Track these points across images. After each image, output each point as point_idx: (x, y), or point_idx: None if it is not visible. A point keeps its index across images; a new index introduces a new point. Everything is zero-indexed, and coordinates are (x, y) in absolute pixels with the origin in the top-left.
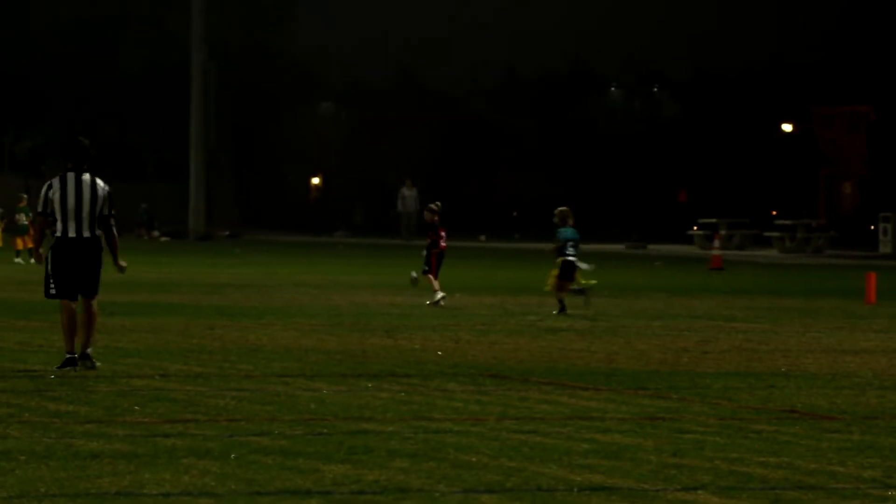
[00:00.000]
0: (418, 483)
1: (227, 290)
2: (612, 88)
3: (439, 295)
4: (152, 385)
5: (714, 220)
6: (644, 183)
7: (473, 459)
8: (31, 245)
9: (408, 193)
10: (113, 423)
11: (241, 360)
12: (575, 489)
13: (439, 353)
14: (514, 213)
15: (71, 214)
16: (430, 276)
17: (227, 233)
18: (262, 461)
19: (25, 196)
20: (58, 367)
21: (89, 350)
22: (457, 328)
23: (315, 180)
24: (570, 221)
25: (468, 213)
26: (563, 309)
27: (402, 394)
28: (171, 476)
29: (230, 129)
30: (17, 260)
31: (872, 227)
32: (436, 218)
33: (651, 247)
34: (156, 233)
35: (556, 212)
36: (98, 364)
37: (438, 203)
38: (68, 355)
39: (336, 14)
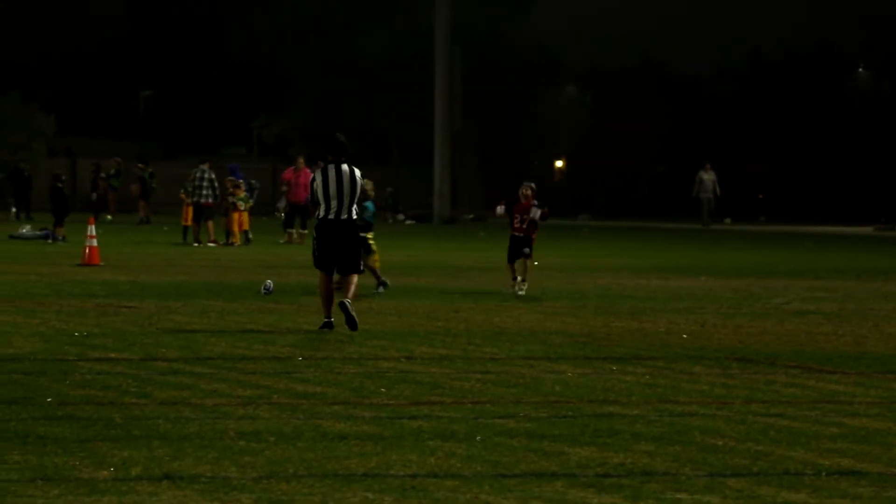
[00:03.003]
0: (663, 466)
1: (472, 273)
2: (860, 70)
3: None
4: (398, 367)
5: None
6: (893, 164)
7: (719, 443)
8: (245, 227)
9: (706, 177)
10: (360, 404)
11: (486, 342)
12: (823, 473)
13: (684, 336)
14: (760, 196)
15: (332, 199)
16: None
17: (471, 216)
18: (507, 443)
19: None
20: (318, 329)
21: (348, 300)
22: (702, 311)
23: (559, 163)
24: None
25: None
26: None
27: (647, 377)
28: (417, 458)
29: (475, 113)
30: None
31: None
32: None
33: None
34: (401, 216)
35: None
36: (353, 307)
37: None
38: (325, 319)
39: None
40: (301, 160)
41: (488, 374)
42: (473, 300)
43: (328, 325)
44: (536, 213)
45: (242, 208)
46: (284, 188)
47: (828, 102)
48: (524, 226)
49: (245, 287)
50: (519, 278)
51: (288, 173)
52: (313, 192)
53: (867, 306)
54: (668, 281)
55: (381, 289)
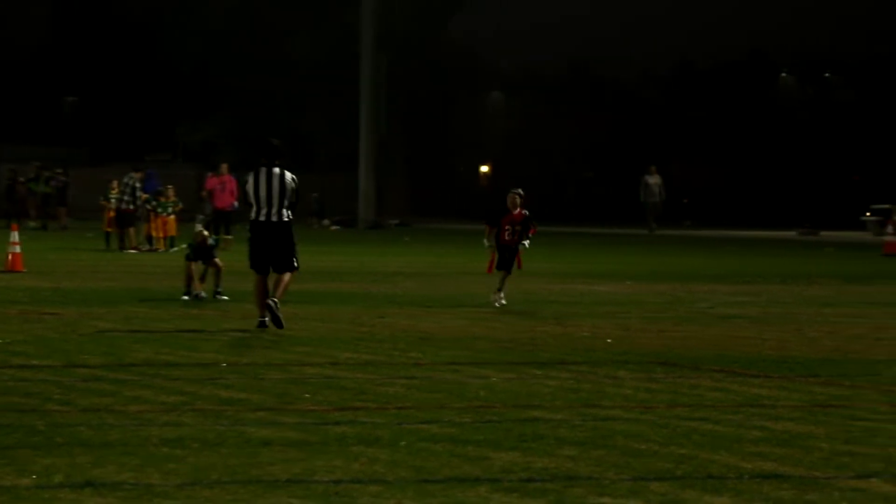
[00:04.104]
0: (587, 470)
1: (397, 279)
2: (783, 75)
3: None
4: (323, 373)
5: (887, 206)
6: (816, 169)
7: (643, 447)
8: (171, 233)
9: (651, 181)
10: (284, 410)
11: (411, 347)
12: (746, 477)
13: (609, 340)
14: (685, 201)
15: (264, 202)
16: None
17: (396, 221)
18: (431, 448)
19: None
20: (255, 327)
21: (275, 300)
22: (627, 316)
23: (484, 168)
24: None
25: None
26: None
27: (572, 381)
28: (341, 463)
29: (401, 118)
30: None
31: None
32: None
33: (823, 233)
34: (326, 221)
35: None
36: (279, 306)
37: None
38: (260, 319)
39: (506, 3)
40: (224, 166)
41: (413, 379)
42: (398, 305)
43: (263, 325)
44: (526, 243)
45: (170, 212)
46: (204, 193)
47: (753, 109)
48: (514, 237)
49: (169, 293)
50: (500, 290)
51: (212, 180)
52: (245, 195)
53: (791, 310)
54: (592, 285)
55: (186, 297)
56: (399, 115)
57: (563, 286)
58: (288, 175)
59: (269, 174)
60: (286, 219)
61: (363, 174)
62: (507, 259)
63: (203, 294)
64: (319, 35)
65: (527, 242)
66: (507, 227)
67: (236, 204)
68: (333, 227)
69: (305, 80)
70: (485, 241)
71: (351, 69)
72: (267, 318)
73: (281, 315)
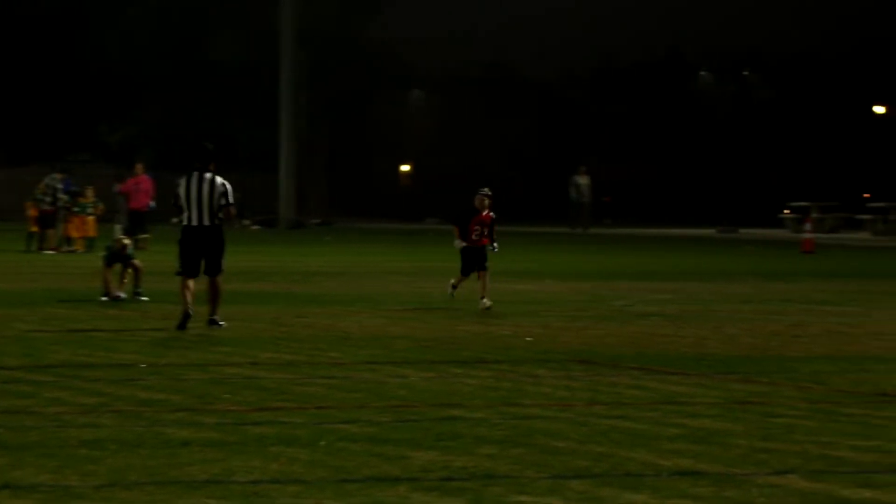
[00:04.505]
0: (506, 469)
1: (318, 278)
2: (702, 73)
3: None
4: (243, 373)
5: (806, 204)
6: (735, 167)
7: (562, 445)
8: (91, 234)
9: (581, 181)
10: (203, 411)
11: (331, 347)
12: (663, 474)
13: (529, 338)
14: (606, 199)
15: (194, 207)
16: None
17: (318, 221)
18: (350, 448)
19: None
20: (176, 327)
21: (216, 317)
22: (546, 314)
23: (405, 168)
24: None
25: (559, 199)
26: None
27: (491, 380)
28: (260, 463)
29: (322, 118)
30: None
31: None
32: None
33: (742, 231)
34: (247, 221)
35: None
36: (224, 324)
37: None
38: (184, 309)
39: (427, 3)
40: (139, 166)
41: (332, 379)
42: (319, 305)
43: (187, 317)
44: (495, 246)
45: (89, 213)
46: (117, 190)
47: (672, 107)
48: (482, 239)
49: (88, 294)
50: (483, 297)
51: (128, 181)
52: (177, 198)
53: (709, 308)
54: (512, 284)
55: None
56: (320, 115)
57: None
58: (219, 180)
59: (201, 179)
60: (217, 223)
61: (284, 174)
62: (473, 261)
63: (123, 295)
64: (240, 35)
65: (496, 245)
66: (475, 228)
67: (152, 204)
68: (254, 227)
69: (226, 80)
70: (455, 242)
71: (272, 69)
72: (191, 309)
73: (223, 324)
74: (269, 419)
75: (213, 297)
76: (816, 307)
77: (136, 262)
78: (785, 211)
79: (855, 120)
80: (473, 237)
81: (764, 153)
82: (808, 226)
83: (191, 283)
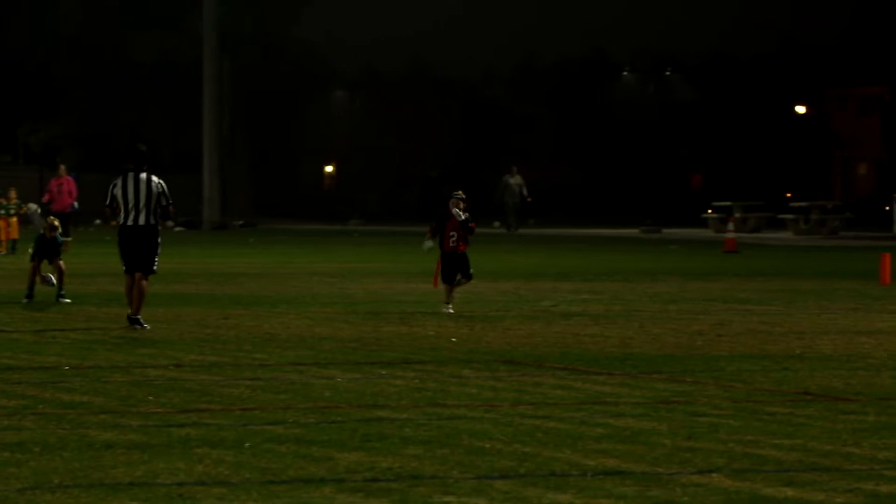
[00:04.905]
0: (432, 469)
1: (242, 280)
2: (625, 73)
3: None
4: (167, 375)
5: (728, 203)
6: (658, 167)
7: (487, 445)
8: (13, 236)
9: (512, 181)
10: (127, 413)
11: (256, 349)
12: (588, 474)
13: (454, 339)
14: (529, 199)
15: (131, 207)
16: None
17: (241, 222)
18: (275, 450)
19: None
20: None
21: (139, 316)
22: (471, 315)
23: (328, 168)
24: None
25: (483, 200)
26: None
27: (417, 381)
28: (184, 465)
29: (245, 119)
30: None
31: (887, 208)
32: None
33: (666, 231)
34: (170, 223)
35: None
36: (147, 326)
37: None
38: (130, 315)
39: (351, 4)
40: (62, 168)
41: (258, 380)
42: (243, 307)
43: (131, 321)
44: (466, 219)
45: (12, 214)
46: (47, 199)
47: (595, 107)
48: (459, 245)
49: (11, 296)
50: (448, 301)
51: (51, 183)
52: (113, 199)
53: (633, 307)
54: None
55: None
56: (243, 117)
57: (408, 285)
58: (155, 179)
59: (137, 179)
60: (153, 222)
61: (207, 175)
62: (454, 267)
63: (52, 278)
64: (163, 36)
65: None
66: (451, 234)
67: (75, 205)
68: (178, 229)
69: (149, 82)
70: (426, 242)
71: (195, 71)
72: (137, 317)
73: (146, 325)
74: (194, 421)
75: (139, 295)
76: (740, 306)
77: (61, 262)
78: (708, 211)
79: (778, 120)
80: (451, 244)
81: (687, 154)
82: (730, 225)
83: (133, 282)
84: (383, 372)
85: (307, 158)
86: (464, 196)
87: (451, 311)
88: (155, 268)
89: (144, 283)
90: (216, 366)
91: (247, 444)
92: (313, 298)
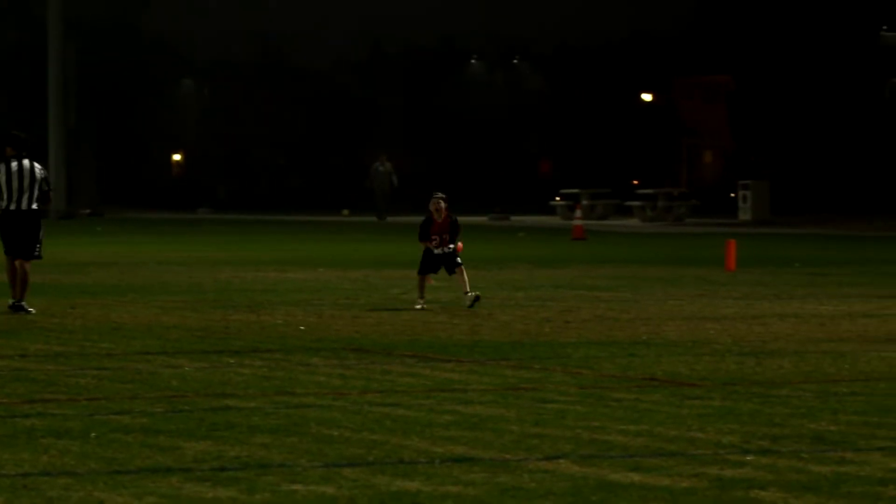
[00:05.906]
0: (280, 458)
1: (90, 269)
2: (473, 61)
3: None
4: (11, 365)
5: (576, 191)
6: (507, 155)
7: (335, 433)
8: None
9: (381, 169)
10: None
11: (103, 338)
12: (437, 461)
13: (302, 327)
14: (396, 186)
15: (14, 192)
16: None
17: (88, 211)
18: (122, 439)
19: None
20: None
21: (23, 302)
22: (320, 303)
23: (176, 157)
24: None
25: (332, 187)
26: None
27: (265, 369)
28: (29, 456)
29: (91, 108)
30: None
31: (732, 196)
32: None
33: (514, 218)
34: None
35: None
36: (33, 311)
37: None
38: (11, 301)
39: None
40: None
41: (104, 370)
42: (91, 296)
43: (14, 307)
44: (458, 244)
45: None
46: None
47: (445, 95)
48: (444, 245)
49: None
50: (468, 292)
51: None
52: None
53: (482, 294)
54: (286, 273)
55: None
56: (90, 106)
57: (256, 274)
58: (37, 166)
59: (20, 166)
60: (35, 207)
61: (53, 164)
62: (434, 264)
63: None
64: (4, 25)
65: (452, 246)
66: (434, 238)
67: None
68: None
69: None
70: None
71: (39, 57)
72: (21, 303)
73: (31, 310)
74: (40, 411)
75: (23, 280)
76: (587, 293)
77: None
78: (556, 198)
79: (625, 109)
80: (434, 248)
81: (536, 141)
82: (578, 212)
83: (14, 267)
84: (231, 361)
85: (155, 146)
86: (444, 196)
87: (470, 303)
88: (37, 253)
89: (27, 266)
90: (62, 356)
91: (93, 434)
92: (161, 287)
